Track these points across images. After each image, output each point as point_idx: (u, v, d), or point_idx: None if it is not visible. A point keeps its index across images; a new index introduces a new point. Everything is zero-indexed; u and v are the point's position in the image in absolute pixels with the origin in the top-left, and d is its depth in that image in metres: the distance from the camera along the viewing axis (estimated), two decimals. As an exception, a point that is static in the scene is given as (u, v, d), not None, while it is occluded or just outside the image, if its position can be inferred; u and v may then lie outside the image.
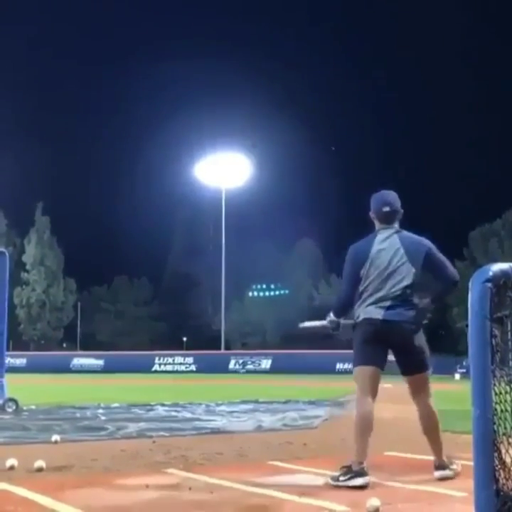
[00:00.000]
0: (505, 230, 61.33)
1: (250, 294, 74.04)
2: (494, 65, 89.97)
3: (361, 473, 4.35)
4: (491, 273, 3.21)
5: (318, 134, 77.94)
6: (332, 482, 4.46)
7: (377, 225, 4.90)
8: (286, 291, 73.04)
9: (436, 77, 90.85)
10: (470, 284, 3.27)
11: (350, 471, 4.42)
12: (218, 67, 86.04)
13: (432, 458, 5.62)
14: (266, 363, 39.97)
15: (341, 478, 4.42)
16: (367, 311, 4.73)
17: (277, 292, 73.82)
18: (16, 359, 42.50)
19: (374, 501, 3.62)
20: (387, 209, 4.82)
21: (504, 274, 3.22)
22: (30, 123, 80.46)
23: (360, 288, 4.79)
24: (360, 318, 4.77)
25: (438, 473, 4.63)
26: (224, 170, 53.22)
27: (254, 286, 73.41)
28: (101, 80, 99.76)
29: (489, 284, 3.18)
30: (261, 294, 74.01)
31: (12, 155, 61.30)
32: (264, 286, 73.56)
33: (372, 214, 4.92)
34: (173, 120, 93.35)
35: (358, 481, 4.31)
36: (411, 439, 5.55)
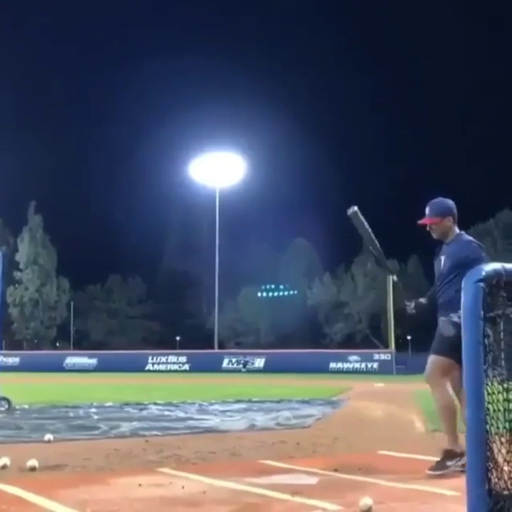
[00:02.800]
0: (498, 229, 61.54)
1: (244, 293, 73.96)
2: (489, 69, 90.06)
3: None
4: (483, 273, 3.22)
5: (312, 133, 77.96)
6: (438, 472, 4.46)
7: (455, 227, 5.28)
8: (283, 293, 73.11)
9: (432, 76, 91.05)
10: (463, 283, 3.28)
11: (456, 454, 4.47)
12: (213, 67, 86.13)
13: (425, 457, 5.65)
14: (259, 362, 39.95)
15: (449, 463, 4.47)
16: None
17: (272, 293, 73.81)
18: (9, 358, 42.33)
19: (367, 500, 3.62)
20: None
21: (497, 273, 3.23)
22: (23, 122, 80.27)
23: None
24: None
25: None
26: (218, 169, 53.17)
27: (248, 287, 73.31)
28: (95, 79, 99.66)
29: (482, 284, 3.19)
30: (257, 294, 73.93)
31: (5, 154, 61.12)
32: (261, 287, 73.45)
33: (451, 218, 5.25)
34: (168, 119, 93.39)
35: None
36: (403, 438, 5.57)
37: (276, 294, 74.08)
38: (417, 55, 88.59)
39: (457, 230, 5.28)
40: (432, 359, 5.01)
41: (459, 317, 4.89)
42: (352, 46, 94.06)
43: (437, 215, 5.24)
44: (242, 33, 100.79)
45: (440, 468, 4.50)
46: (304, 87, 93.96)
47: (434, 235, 5.29)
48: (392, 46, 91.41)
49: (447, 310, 5.05)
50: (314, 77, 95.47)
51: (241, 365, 39.27)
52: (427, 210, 5.30)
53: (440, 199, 5.35)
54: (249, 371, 35.69)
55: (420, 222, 5.31)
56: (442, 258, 5.21)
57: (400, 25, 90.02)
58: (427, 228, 5.30)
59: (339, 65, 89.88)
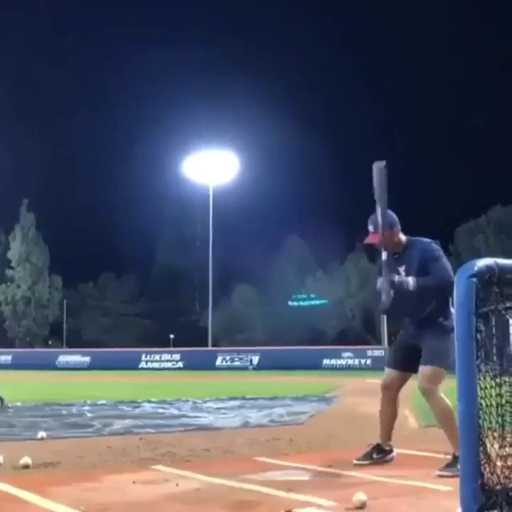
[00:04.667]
0: (490, 226, 61.71)
1: (238, 291, 73.95)
2: (489, 66, 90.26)
3: None
4: (476, 268, 3.23)
5: (306, 131, 77.90)
6: (448, 473, 4.48)
7: (403, 235, 5.16)
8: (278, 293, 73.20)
9: (427, 72, 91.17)
10: (455, 279, 3.29)
11: None
12: (207, 65, 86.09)
13: (418, 453, 5.67)
14: (253, 360, 39.98)
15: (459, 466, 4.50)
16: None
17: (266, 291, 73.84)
18: (1, 356, 42.30)
19: (361, 496, 3.63)
20: None
21: (489, 269, 3.24)
22: (15, 119, 79.97)
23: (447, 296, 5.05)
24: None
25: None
26: (212, 167, 53.13)
27: (242, 285, 73.33)
28: (89, 75, 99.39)
29: (474, 279, 3.20)
30: (250, 292, 73.92)
31: (-3, 151, 60.90)
32: (255, 284, 73.39)
33: (399, 226, 5.14)
34: (161, 117, 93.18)
35: None
36: (397, 434, 5.58)
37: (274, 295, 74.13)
38: (412, 53, 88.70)
39: (404, 237, 5.14)
40: (422, 370, 4.96)
41: (450, 319, 4.95)
42: (348, 45, 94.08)
43: (383, 228, 4.99)
44: (236, 30, 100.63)
45: (450, 470, 4.50)
46: (298, 84, 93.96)
47: (388, 248, 5.05)
48: (388, 45, 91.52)
49: (432, 316, 5.02)
50: (309, 75, 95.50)
51: (248, 363, 39.31)
52: (370, 227, 5.09)
53: (381, 213, 5.05)
54: (255, 369, 35.57)
55: (370, 240, 5.10)
56: (401, 269, 5.06)
57: (397, 22, 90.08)
58: (378, 244, 5.06)
59: (335, 63, 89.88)
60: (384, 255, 5.02)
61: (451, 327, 4.87)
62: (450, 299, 5.05)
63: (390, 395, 5.27)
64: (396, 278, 4.96)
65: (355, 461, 5.12)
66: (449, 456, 4.74)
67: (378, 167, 5.07)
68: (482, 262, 3.25)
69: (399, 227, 5.14)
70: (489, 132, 79.11)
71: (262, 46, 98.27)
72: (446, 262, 5.07)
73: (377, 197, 5.01)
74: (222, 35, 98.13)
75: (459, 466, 4.48)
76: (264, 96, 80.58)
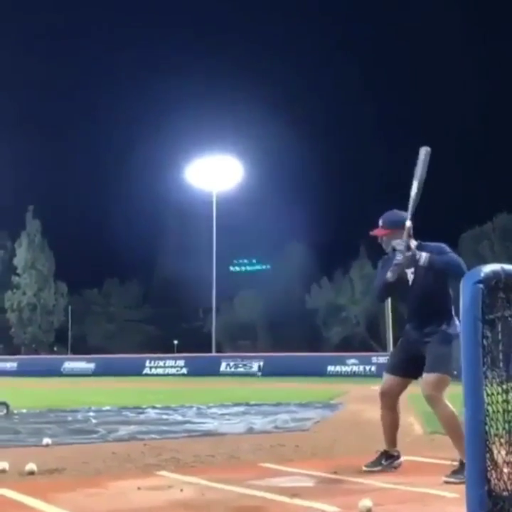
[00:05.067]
0: (496, 233, 61.60)
1: (242, 297, 73.90)
2: (494, 71, 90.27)
3: None
4: (482, 274, 3.22)
5: (310, 137, 78.03)
6: (454, 479, 4.47)
7: (413, 240, 5.08)
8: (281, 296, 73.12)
9: (431, 75, 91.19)
10: (461, 285, 3.27)
11: None
12: (210, 71, 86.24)
13: (424, 459, 5.65)
14: (257, 366, 39.93)
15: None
16: (458, 324, 4.92)
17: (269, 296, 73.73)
18: (7, 363, 42.31)
19: (366, 502, 3.62)
20: None
21: (496, 275, 3.23)
22: (21, 126, 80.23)
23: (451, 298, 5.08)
24: (458, 330, 4.91)
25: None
26: (215, 173, 53.17)
27: (245, 290, 73.28)
28: (92, 83, 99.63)
29: (481, 285, 3.19)
30: (254, 297, 73.81)
31: (3, 158, 61.08)
32: (259, 290, 73.28)
33: (403, 231, 5.05)
34: (164, 123, 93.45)
35: None
36: (402, 440, 5.56)
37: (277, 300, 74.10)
38: (414, 55, 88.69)
39: (415, 241, 5.10)
40: (426, 378, 4.92)
41: (454, 326, 4.95)
42: (350, 48, 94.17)
43: (388, 226, 5.13)
44: (239, 36, 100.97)
45: (457, 477, 4.48)
46: (301, 89, 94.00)
47: (385, 247, 5.16)
48: (389, 47, 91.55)
49: (434, 322, 5.00)
50: (312, 80, 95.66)
51: (252, 369, 39.26)
52: (380, 222, 5.20)
53: (393, 211, 5.24)
54: (264, 375, 35.41)
55: (375, 232, 5.21)
56: (409, 271, 5.04)
57: (397, 24, 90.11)
58: (379, 240, 5.19)
59: (338, 70, 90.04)
60: (404, 240, 4.95)
61: (455, 334, 4.88)
62: (453, 307, 5.06)
63: (389, 402, 5.22)
64: (410, 250, 4.89)
65: (364, 468, 5.10)
66: (456, 463, 4.72)
67: (426, 151, 5.22)
68: (488, 268, 3.25)
69: (402, 229, 5.06)
70: (496, 139, 79.13)
71: (263, 51, 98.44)
72: (459, 257, 5.01)
73: (418, 181, 5.05)
74: (224, 41, 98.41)
75: (465, 473, 4.48)
76: (267, 102, 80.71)
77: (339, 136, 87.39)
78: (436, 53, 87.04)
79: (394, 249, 5.07)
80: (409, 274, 5.08)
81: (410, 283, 5.09)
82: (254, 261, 74.57)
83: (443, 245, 5.10)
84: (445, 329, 4.97)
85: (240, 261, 77.62)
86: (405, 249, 4.89)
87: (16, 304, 66.99)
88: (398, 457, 5.26)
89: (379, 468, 5.12)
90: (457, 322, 5.02)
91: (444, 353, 4.89)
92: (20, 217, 67.88)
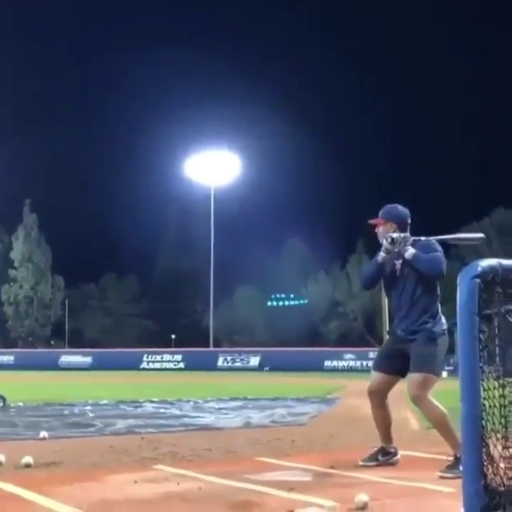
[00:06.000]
0: (493, 228, 61.62)
1: (239, 292, 73.93)
2: (490, 67, 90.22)
3: None
4: (479, 269, 3.22)
5: (308, 133, 77.91)
6: (450, 474, 4.47)
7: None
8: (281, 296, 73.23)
9: (429, 73, 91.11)
10: (458, 280, 3.27)
11: None
12: (209, 66, 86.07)
13: (420, 454, 5.66)
14: (254, 360, 39.98)
15: (461, 468, 4.49)
16: (444, 322, 5.05)
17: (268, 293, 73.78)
18: (4, 356, 42.36)
19: (362, 497, 3.63)
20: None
21: (492, 269, 3.23)
22: (17, 120, 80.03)
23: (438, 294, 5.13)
24: (444, 327, 5.02)
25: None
26: (213, 168, 53.15)
27: (243, 286, 73.26)
28: (90, 76, 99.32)
29: (478, 280, 3.19)
30: (252, 293, 73.83)
31: (0, 152, 60.94)
32: (257, 286, 73.22)
33: (395, 225, 5.19)
34: (163, 117, 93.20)
35: None
36: (398, 435, 5.57)
37: (275, 296, 74.14)
38: (413, 54, 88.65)
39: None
40: (411, 378, 4.92)
41: (440, 323, 4.96)
42: (349, 46, 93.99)
43: (383, 217, 5.24)
44: (239, 32, 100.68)
45: (453, 471, 4.49)
46: (300, 85, 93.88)
47: (379, 238, 5.21)
48: (388, 45, 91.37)
49: (420, 319, 4.99)
50: (311, 76, 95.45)
51: (249, 364, 39.38)
52: (380, 212, 5.30)
53: (395, 205, 5.31)
54: (271, 370, 35.40)
55: (374, 221, 5.30)
56: (397, 263, 5.09)
57: (396, 23, 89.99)
58: (375, 229, 5.27)
59: (337, 65, 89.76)
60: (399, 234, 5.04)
61: (440, 332, 4.91)
62: (438, 303, 5.07)
63: (378, 399, 5.20)
64: (398, 239, 5.00)
65: (361, 462, 5.10)
66: (451, 458, 4.73)
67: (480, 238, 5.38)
68: (485, 263, 3.24)
69: (395, 223, 5.17)
70: (492, 134, 79.11)
71: (263, 46, 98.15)
72: (443, 257, 5.05)
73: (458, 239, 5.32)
74: (223, 37, 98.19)
75: (460, 468, 4.49)
76: (266, 97, 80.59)
77: (337, 131, 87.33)
78: (435, 46, 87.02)
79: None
80: (398, 264, 5.10)
81: (397, 274, 5.11)
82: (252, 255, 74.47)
83: (431, 242, 5.12)
84: (431, 328, 4.96)
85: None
86: (395, 240, 4.98)
87: (13, 297, 66.97)
88: (395, 454, 5.26)
89: (375, 463, 5.13)
90: (443, 320, 5.05)
91: (429, 352, 4.89)
92: (17, 211, 67.83)
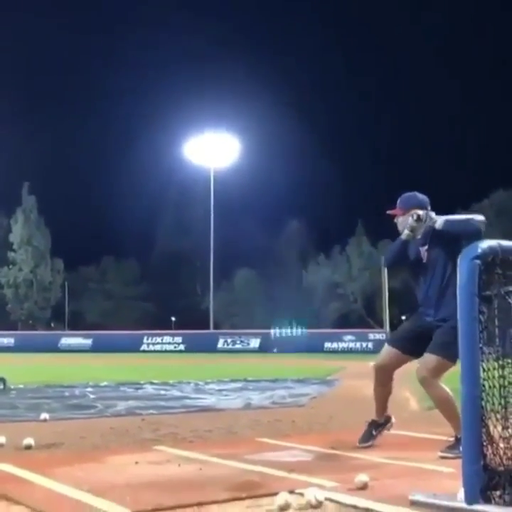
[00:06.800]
0: (493, 210, 61.53)
1: (239, 274, 73.98)
2: (493, 48, 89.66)
3: None
4: (479, 250, 3.22)
5: (308, 115, 77.64)
6: (450, 454, 4.50)
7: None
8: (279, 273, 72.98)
9: (429, 57, 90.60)
10: (458, 261, 3.27)
11: None
12: (208, 47, 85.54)
13: (420, 435, 5.69)
14: (254, 342, 40.09)
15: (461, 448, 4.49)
16: None
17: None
18: (4, 338, 42.40)
19: (362, 477, 3.64)
20: None
21: (492, 250, 3.23)
22: (16, 102, 79.61)
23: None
24: None
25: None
26: (213, 150, 52.98)
27: (243, 268, 73.30)
28: (88, 58, 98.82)
29: (478, 261, 3.19)
30: (252, 275, 73.82)
31: (-1, 134, 60.70)
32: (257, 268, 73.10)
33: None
34: (162, 99, 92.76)
35: None
36: (398, 416, 5.59)
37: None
38: (410, 36, 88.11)
39: (430, 224, 5.04)
40: (425, 358, 4.82)
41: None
42: (349, 28, 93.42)
43: (401, 207, 5.13)
44: (240, 14, 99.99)
45: (453, 451, 4.51)
46: (300, 67, 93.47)
47: (399, 227, 5.15)
48: (387, 28, 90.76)
49: (450, 305, 4.73)
50: (311, 58, 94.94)
51: (249, 345, 39.53)
52: (398, 202, 5.20)
53: (412, 193, 5.20)
54: (279, 351, 35.47)
55: (391, 212, 5.21)
56: (423, 248, 5.01)
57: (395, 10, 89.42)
58: (395, 220, 5.19)
59: (337, 49, 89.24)
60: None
61: None
62: None
63: (384, 377, 5.10)
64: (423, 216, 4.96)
65: (358, 445, 5.08)
66: (452, 439, 4.75)
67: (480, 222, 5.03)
68: (485, 244, 3.24)
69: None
70: (492, 116, 78.79)
71: (267, 32, 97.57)
72: None
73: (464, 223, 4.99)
74: (223, 19, 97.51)
75: (461, 448, 4.52)
76: (266, 79, 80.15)
77: (337, 113, 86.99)
78: (432, 37, 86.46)
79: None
80: (423, 251, 5.00)
81: (424, 261, 4.99)
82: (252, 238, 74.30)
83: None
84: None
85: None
86: (421, 217, 4.95)
87: (13, 279, 67.01)
88: (388, 421, 5.24)
89: (371, 441, 5.12)
90: None
91: (451, 339, 4.77)
92: (16, 194, 67.68)
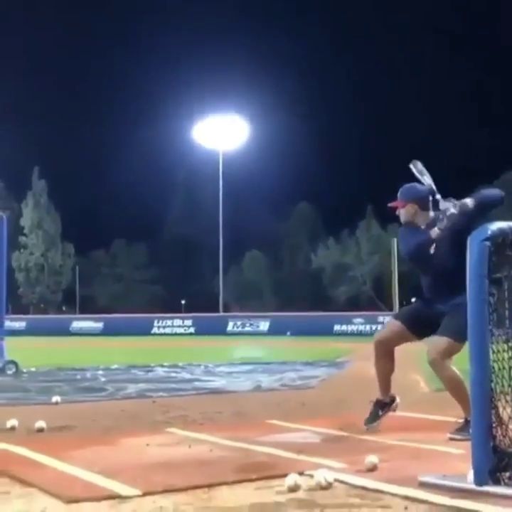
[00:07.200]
0: (503, 191, 61.11)
1: (249, 257, 74.03)
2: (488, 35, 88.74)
3: None
4: (489, 232, 3.20)
5: (317, 96, 77.25)
6: (459, 436, 4.49)
7: (426, 213, 5.08)
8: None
9: (426, 45, 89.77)
10: (468, 243, 3.26)
11: None
12: (217, 29, 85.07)
13: (429, 416, 5.69)
14: (264, 325, 40.17)
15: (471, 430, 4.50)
16: None
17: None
18: (16, 322, 42.55)
19: (372, 458, 3.65)
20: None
21: (502, 232, 3.22)
22: (26, 88, 79.57)
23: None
24: None
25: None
26: (221, 132, 52.85)
27: (252, 251, 73.31)
28: (97, 42, 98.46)
29: (488, 243, 3.18)
30: (261, 257, 73.87)
31: (9, 119, 60.76)
32: (266, 251, 73.08)
33: (416, 205, 5.08)
34: (171, 83, 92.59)
35: None
36: (408, 397, 5.61)
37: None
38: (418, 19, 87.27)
39: (432, 214, 5.03)
40: (436, 340, 4.80)
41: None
42: (362, 9, 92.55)
43: (401, 199, 5.13)
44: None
45: (463, 433, 4.51)
46: (310, 49, 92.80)
47: (402, 219, 5.15)
48: (395, 15, 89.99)
49: (460, 294, 4.73)
50: (321, 40, 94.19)
51: (258, 328, 39.64)
52: (398, 194, 5.19)
53: (411, 184, 5.17)
54: (292, 334, 35.50)
55: (392, 204, 5.19)
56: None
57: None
58: (397, 212, 5.18)
59: (346, 32, 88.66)
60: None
61: None
62: None
63: (385, 351, 5.08)
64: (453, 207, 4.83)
65: (365, 427, 5.07)
66: (461, 420, 4.75)
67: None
68: (495, 226, 3.23)
69: (415, 203, 5.06)
70: (503, 97, 78.12)
71: (273, 15, 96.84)
72: None
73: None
74: (232, 2, 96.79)
75: (470, 430, 4.52)
76: (276, 62, 79.80)
77: (347, 94, 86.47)
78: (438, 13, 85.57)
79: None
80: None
81: (432, 252, 4.95)
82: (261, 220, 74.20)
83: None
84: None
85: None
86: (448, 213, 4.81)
87: (24, 263, 67.35)
88: (393, 401, 5.22)
89: (377, 422, 5.11)
90: None
91: (461, 321, 4.75)
92: (27, 178, 67.86)
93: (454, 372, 4.81)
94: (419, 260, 5.10)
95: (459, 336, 4.59)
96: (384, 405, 5.19)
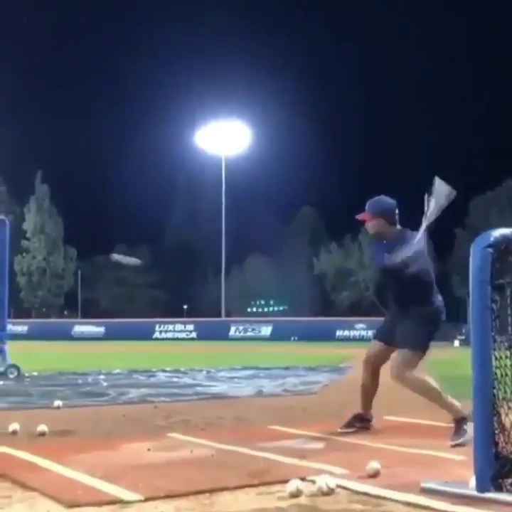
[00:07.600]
0: (506, 198, 61.18)
1: (251, 261, 74.00)
2: (490, 37, 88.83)
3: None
4: (492, 238, 3.20)
5: (320, 100, 77.33)
6: (459, 440, 4.52)
7: (393, 227, 5.10)
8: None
9: (428, 44, 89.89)
10: (471, 249, 3.26)
11: (463, 418, 4.59)
12: (219, 33, 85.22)
13: (428, 422, 5.69)
14: (266, 330, 40.14)
15: (465, 427, 4.54)
16: (440, 299, 5.01)
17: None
18: (18, 326, 42.60)
19: (374, 464, 3.65)
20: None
21: (505, 239, 3.22)
22: (29, 91, 79.74)
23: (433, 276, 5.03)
24: (437, 305, 4.98)
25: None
26: (224, 137, 52.92)
27: (254, 255, 73.32)
28: (100, 46, 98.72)
29: (490, 250, 3.18)
30: (263, 262, 73.85)
31: (12, 122, 60.87)
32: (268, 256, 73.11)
33: (382, 220, 5.07)
34: (174, 87, 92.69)
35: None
36: (410, 403, 5.60)
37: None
38: (422, 19, 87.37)
39: (398, 227, 5.07)
40: (395, 357, 4.92)
41: (429, 304, 4.89)
42: (362, 17, 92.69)
43: (368, 212, 5.12)
44: (253, 0, 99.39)
45: (460, 435, 4.52)
46: (311, 54, 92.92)
47: (369, 231, 5.20)
48: (400, 12, 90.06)
49: (409, 302, 4.96)
50: (325, 44, 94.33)
51: (260, 333, 39.67)
52: (366, 207, 5.16)
53: (378, 198, 5.17)
54: (299, 339, 35.47)
55: (360, 217, 5.17)
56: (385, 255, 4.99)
57: None
58: (365, 225, 5.20)
59: (348, 34, 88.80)
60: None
61: (430, 311, 4.89)
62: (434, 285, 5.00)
63: (372, 368, 5.22)
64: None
65: (339, 430, 5.15)
66: (452, 425, 4.77)
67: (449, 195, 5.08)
68: (498, 232, 3.23)
69: (381, 218, 5.05)
70: (504, 104, 78.15)
71: (275, 18, 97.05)
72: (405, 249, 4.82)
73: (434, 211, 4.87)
74: (235, 6, 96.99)
75: (465, 428, 4.52)
76: (278, 67, 79.92)
77: (350, 98, 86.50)
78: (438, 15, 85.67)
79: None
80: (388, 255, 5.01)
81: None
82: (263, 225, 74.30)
83: (409, 234, 4.94)
84: (420, 308, 4.91)
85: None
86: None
87: (26, 267, 67.36)
88: (370, 420, 5.29)
89: (353, 429, 5.16)
90: (439, 297, 5.00)
91: (412, 330, 4.85)
92: (29, 182, 67.91)
93: (420, 379, 4.86)
94: (379, 273, 5.28)
95: (415, 345, 4.84)
96: (362, 420, 5.26)
